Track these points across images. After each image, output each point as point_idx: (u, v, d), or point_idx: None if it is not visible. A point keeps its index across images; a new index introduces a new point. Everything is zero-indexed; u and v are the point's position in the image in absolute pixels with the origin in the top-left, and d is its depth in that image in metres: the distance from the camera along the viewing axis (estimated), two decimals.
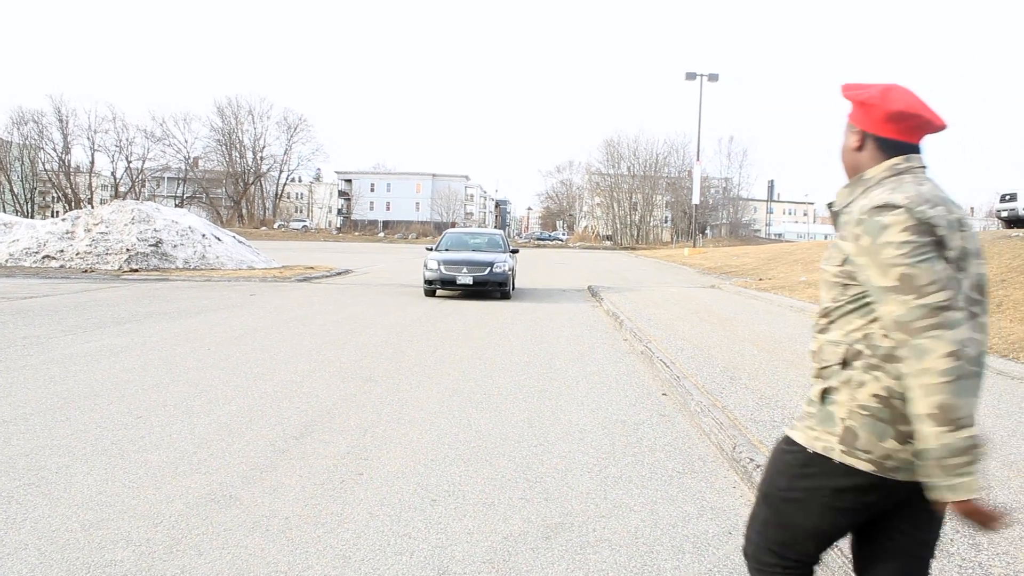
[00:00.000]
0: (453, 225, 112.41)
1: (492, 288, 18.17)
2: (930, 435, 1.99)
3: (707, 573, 3.89)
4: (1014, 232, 20.91)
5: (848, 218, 2.21)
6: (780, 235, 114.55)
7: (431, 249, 20.03)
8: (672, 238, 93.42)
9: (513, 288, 19.60)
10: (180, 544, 4.06)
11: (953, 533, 4.10)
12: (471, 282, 17.85)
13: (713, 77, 54.81)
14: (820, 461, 2.24)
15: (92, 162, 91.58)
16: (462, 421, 6.74)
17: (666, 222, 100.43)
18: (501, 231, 22.77)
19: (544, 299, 18.92)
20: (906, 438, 2.12)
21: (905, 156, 2.26)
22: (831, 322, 2.29)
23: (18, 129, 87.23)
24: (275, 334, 11.71)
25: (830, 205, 2.41)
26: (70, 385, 7.74)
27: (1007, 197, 24.46)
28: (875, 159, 2.29)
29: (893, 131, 2.26)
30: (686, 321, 13.50)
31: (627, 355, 10.42)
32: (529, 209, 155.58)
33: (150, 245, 25.06)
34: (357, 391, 7.80)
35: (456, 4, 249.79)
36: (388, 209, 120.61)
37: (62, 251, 24.90)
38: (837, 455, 2.20)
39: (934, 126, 2.26)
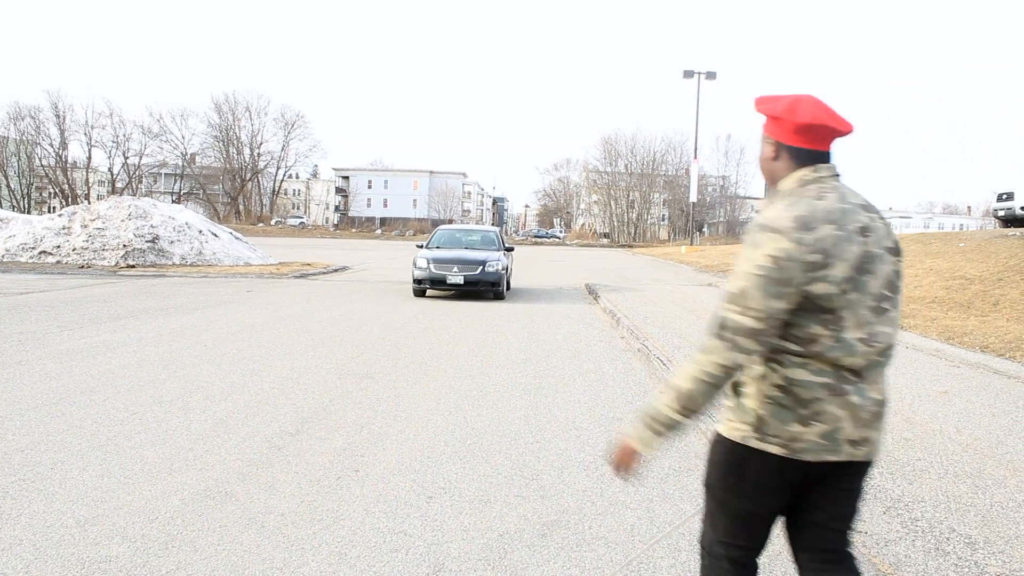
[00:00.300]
0: (451, 222, 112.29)
1: (484, 288, 17.35)
2: (662, 395, 2.39)
3: None
4: (1011, 231, 20.92)
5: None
6: None
7: (422, 247, 19.02)
8: (669, 236, 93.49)
9: (508, 288, 19.14)
10: (176, 540, 4.06)
11: (949, 532, 4.11)
12: (462, 281, 17.08)
13: (711, 75, 54.78)
14: (740, 449, 2.42)
15: (89, 158, 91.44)
16: (458, 418, 6.73)
17: (663, 220, 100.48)
18: (496, 228, 21.65)
19: (540, 299, 18.66)
20: (808, 421, 2.32)
21: (814, 167, 2.41)
22: None
23: (15, 125, 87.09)
24: (271, 331, 11.70)
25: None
26: (66, 381, 7.72)
27: (1004, 196, 24.46)
28: (789, 168, 2.45)
29: (803, 141, 2.41)
30: (683, 319, 13.51)
31: (624, 353, 10.42)
32: (526, 207, 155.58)
33: (147, 241, 25.02)
34: (353, 388, 7.79)
35: (454, 1, 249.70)
36: (386, 206, 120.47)
37: (59, 247, 24.85)
38: (753, 442, 2.39)
39: (841, 132, 2.43)
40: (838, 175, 2.44)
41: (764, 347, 2.31)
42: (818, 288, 2.25)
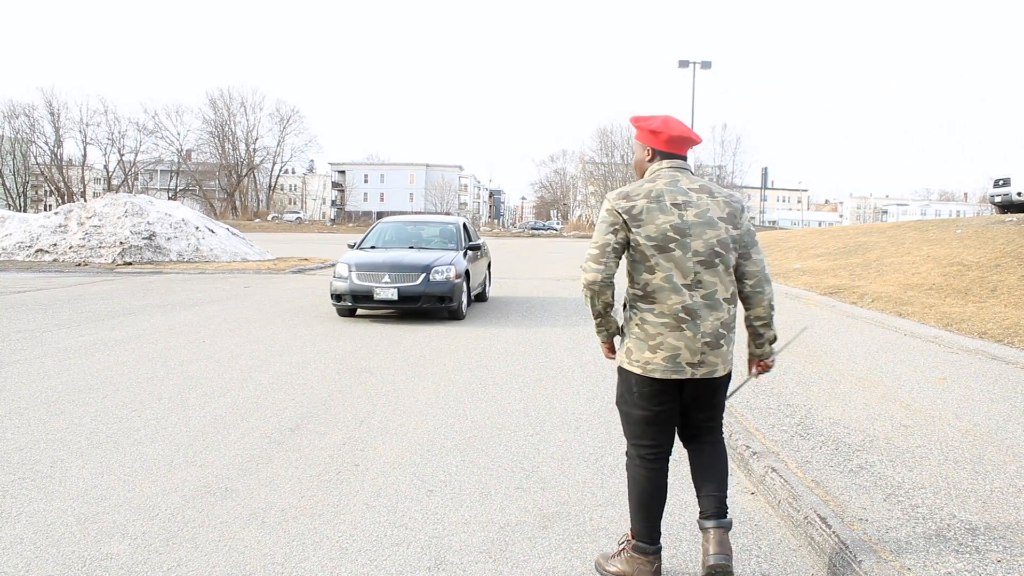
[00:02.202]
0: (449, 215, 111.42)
1: (429, 305, 12.42)
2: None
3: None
4: (1008, 217, 20.90)
5: None
6: (774, 222, 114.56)
7: (353, 246, 14.44)
8: None
9: (483, 299, 15.57)
10: (176, 537, 4.05)
11: (950, 518, 4.10)
12: (395, 297, 12.20)
13: (706, 65, 54.62)
14: (623, 372, 3.52)
15: (84, 155, 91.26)
16: (458, 411, 6.73)
17: None
18: (460, 219, 15.83)
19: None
20: (655, 349, 3.34)
21: (659, 163, 3.48)
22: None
23: (9, 123, 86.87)
24: (270, 326, 11.69)
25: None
26: (64, 379, 7.71)
27: (1000, 182, 24.41)
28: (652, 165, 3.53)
29: (669, 148, 3.47)
30: None
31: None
32: (523, 199, 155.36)
33: (144, 238, 24.99)
34: (353, 382, 7.79)
35: None
36: (382, 200, 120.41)
37: (55, 245, 24.81)
38: (626, 366, 3.47)
39: (695, 141, 3.51)
40: (683, 168, 3.45)
41: (605, 271, 3.31)
42: (635, 238, 3.31)
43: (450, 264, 12.68)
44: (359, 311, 13.30)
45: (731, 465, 5.28)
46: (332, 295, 12.63)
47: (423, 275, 12.32)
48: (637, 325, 3.38)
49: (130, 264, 23.55)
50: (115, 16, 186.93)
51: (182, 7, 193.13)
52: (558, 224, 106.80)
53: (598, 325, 3.54)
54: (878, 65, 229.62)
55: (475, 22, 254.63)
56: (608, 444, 5.80)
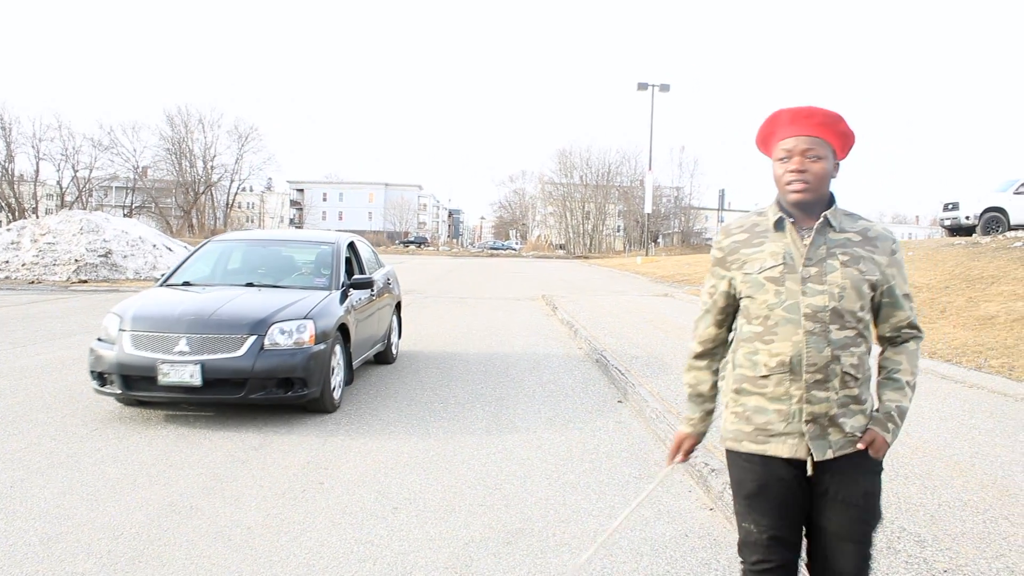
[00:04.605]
0: (405, 235, 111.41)
1: (262, 397, 6.82)
2: (905, 397, 2.62)
3: (664, 574, 3.99)
4: (957, 240, 21.46)
5: None
6: None
7: (159, 281, 8.53)
8: (625, 247, 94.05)
9: (394, 358, 10.33)
10: (143, 555, 4.06)
11: (900, 531, 4.26)
12: (194, 380, 6.59)
13: (664, 87, 55.43)
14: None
15: (37, 171, 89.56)
16: (420, 430, 6.78)
17: (619, 231, 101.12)
18: (347, 238, 9.57)
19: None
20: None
21: None
22: None
23: None
24: None
25: None
26: (21, 398, 7.64)
27: (949, 206, 25.05)
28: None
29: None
30: (640, 330, 13.67)
31: (582, 363, 10.54)
32: (482, 218, 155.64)
33: (99, 256, 24.66)
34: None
35: (407, 14, 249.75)
36: (341, 219, 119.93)
37: (7, 262, 24.39)
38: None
39: None
40: None
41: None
42: None
43: (305, 317, 7.16)
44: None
45: (690, 483, 5.41)
46: (91, 372, 7.05)
47: (251, 339, 6.81)
48: None
49: (85, 282, 23.22)
50: (71, 30, 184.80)
51: (139, 23, 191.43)
52: (517, 244, 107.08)
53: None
54: (832, 88, 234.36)
55: (435, 43, 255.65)
56: (569, 461, 5.89)
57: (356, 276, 8.84)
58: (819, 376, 2.48)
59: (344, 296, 8.15)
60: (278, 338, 6.90)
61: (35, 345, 11.09)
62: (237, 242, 9.70)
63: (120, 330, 6.96)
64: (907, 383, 2.59)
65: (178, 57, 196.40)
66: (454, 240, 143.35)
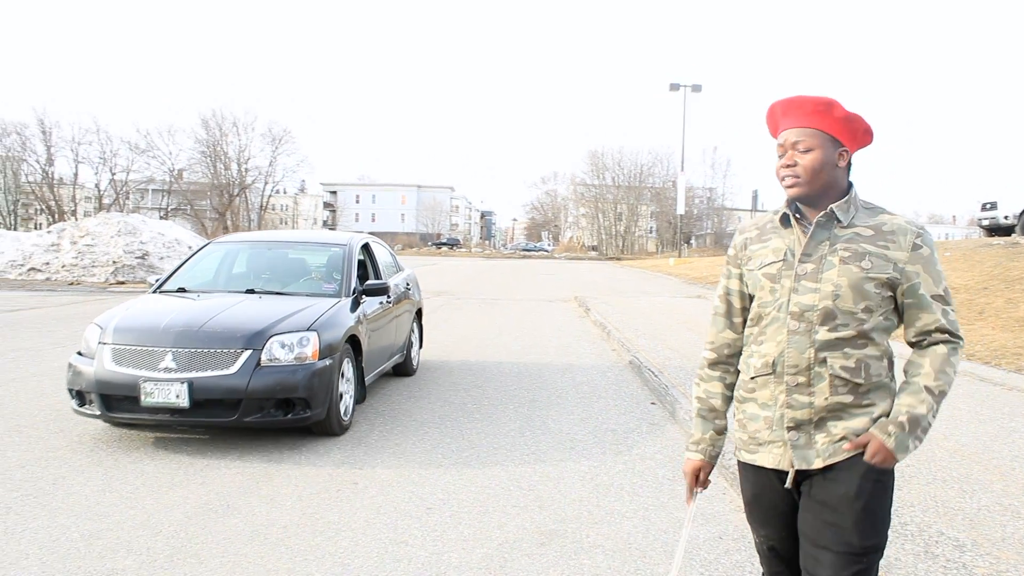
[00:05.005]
0: (438, 237, 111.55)
1: (257, 420, 6.03)
2: (922, 405, 2.30)
3: None
4: (995, 240, 21.13)
5: None
6: None
7: (153, 287, 7.84)
8: (657, 248, 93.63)
9: (414, 370, 9.57)
10: (181, 552, 4.12)
11: (938, 536, 4.21)
12: (182, 402, 5.83)
13: (696, 88, 55.09)
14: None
15: (76, 174, 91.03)
16: (453, 431, 6.80)
17: (651, 232, 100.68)
18: (361, 238, 8.90)
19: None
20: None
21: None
22: None
23: (0, 141, 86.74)
24: None
25: None
26: (62, 398, 7.74)
27: (988, 206, 24.67)
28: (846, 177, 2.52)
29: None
30: (673, 331, 13.62)
31: (615, 365, 10.52)
32: (514, 220, 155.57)
33: (137, 257, 25.02)
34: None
35: (442, 16, 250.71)
36: (373, 220, 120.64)
37: (48, 263, 24.83)
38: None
39: None
40: None
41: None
42: None
43: (308, 329, 6.42)
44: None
45: (724, 484, 5.38)
46: (69, 390, 6.43)
47: (246, 354, 6.09)
48: None
49: (123, 283, 23.56)
50: (109, 35, 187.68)
51: (176, 28, 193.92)
52: (549, 245, 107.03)
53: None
54: (868, 88, 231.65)
55: (468, 44, 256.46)
56: (603, 463, 5.89)
57: (370, 282, 7.99)
58: (801, 379, 2.32)
59: (356, 304, 7.43)
60: (277, 352, 6.15)
61: (76, 345, 11.23)
62: (240, 244, 8.99)
63: (100, 343, 6.30)
64: (926, 388, 2.28)
65: (213, 60, 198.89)
66: (486, 242, 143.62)
